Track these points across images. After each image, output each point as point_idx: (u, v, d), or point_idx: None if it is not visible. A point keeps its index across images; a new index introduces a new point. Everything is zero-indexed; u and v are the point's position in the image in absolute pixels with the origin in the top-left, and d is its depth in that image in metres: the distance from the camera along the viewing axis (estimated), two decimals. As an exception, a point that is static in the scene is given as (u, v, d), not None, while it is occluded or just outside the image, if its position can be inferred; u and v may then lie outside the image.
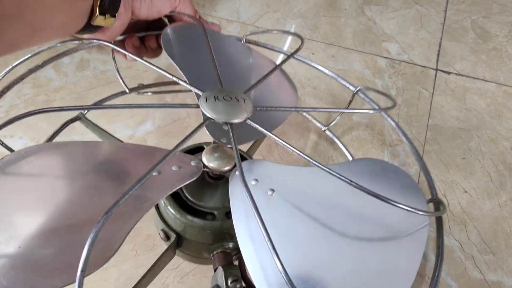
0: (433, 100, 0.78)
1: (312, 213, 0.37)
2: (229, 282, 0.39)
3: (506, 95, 0.80)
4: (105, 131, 0.56)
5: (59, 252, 0.30)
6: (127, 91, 0.65)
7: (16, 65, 0.42)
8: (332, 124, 0.63)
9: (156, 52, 0.56)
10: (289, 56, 0.52)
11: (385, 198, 0.32)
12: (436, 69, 0.84)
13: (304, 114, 0.69)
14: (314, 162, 0.35)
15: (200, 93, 0.40)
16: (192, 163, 0.40)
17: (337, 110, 0.44)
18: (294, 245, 0.35)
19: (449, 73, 0.83)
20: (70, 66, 0.84)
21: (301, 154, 0.36)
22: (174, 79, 0.41)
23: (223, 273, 0.40)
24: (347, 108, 0.58)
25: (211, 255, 0.44)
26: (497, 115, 0.77)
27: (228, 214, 0.43)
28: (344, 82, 0.55)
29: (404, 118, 0.74)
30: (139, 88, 0.70)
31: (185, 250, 0.47)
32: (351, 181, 0.33)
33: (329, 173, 0.34)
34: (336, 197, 0.38)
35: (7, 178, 0.35)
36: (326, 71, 0.57)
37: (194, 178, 0.38)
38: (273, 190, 0.38)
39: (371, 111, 0.43)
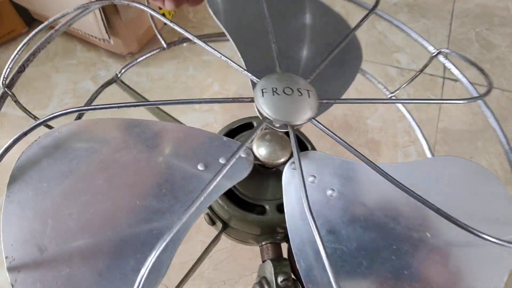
0: (442, 106, 0.82)
1: (380, 220, 0.30)
2: (279, 280, 0.35)
3: (509, 100, 0.83)
4: (140, 95, 0.52)
5: (105, 278, 0.27)
6: (165, 46, 0.57)
7: (41, 29, 0.37)
8: (398, 90, 0.52)
9: (197, 0, 0.47)
10: (370, 11, 0.40)
11: (470, 227, 0.27)
12: (444, 77, 0.87)
13: (368, 76, 0.59)
14: (380, 169, 0.28)
15: (256, 80, 0.32)
16: (242, 155, 0.32)
17: (425, 101, 0.33)
18: (353, 257, 0.29)
19: (455, 80, 0.87)
20: (106, 78, 0.89)
21: (363, 157, 0.29)
22: (224, 58, 0.34)
23: (273, 269, 0.36)
24: (421, 71, 0.46)
25: (259, 244, 0.40)
26: (502, 119, 0.80)
27: (279, 207, 0.37)
28: (422, 41, 0.44)
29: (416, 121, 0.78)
30: (178, 42, 0.62)
31: (230, 234, 0.43)
32: (426, 200, 0.27)
33: (399, 187, 0.27)
34: (410, 200, 0.30)
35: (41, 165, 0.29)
36: (406, 28, 0.45)
37: (245, 176, 0.31)
38: (333, 190, 0.31)
39: (462, 101, 0.33)
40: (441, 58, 0.42)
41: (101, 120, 0.32)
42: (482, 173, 0.34)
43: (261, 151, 0.34)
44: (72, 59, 0.93)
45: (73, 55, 0.94)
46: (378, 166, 0.28)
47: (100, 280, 0.26)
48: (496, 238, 0.27)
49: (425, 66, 0.46)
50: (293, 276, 0.36)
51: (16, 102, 0.35)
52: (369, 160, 0.28)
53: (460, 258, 0.30)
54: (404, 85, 0.50)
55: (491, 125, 0.40)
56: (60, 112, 0.28)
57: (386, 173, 0.28)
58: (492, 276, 0.29)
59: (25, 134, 0.28)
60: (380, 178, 0.29)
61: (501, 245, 0.27)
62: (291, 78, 0.31)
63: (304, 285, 0.27)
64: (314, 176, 0.32)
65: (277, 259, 0.37)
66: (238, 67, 0.34)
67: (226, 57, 0.34)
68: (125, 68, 0.55)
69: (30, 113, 0.40)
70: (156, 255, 0.24)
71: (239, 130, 0.42)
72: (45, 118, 0.28)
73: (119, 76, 0.54)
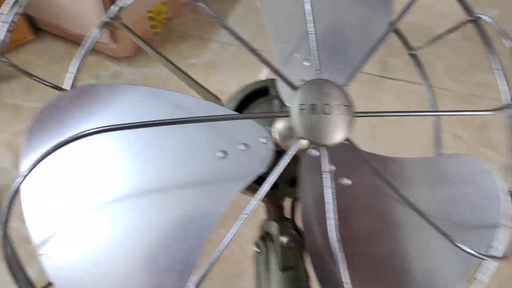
0: (382, 98, 1.00)
1: (386, 210, 0.31)
2: (283, 241, 0.37)
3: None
4: (142, 38, 0.47)
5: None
6: None
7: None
8: (421, 49, 0.48)
9: None
10: None
11: (447, 235, 0.28)
12: (384, 77, 1.06)
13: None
14: (388, 179, 0.28)
15: (294, 87, 0.28)
16: (262, 140, 0.30)
17: (459, 114, 0.32)
18: (356, 239, 0.31)
19: (392, 79, 1.06)
20: (106, 76, 1.03)
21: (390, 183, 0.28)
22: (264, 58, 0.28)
23: (278, 231, 0.37)
24: (450, 32, 0.43)
25: (265, 203, 0.40)
26: (427, 106, 0.99)
27: (290, 181, 0.37)
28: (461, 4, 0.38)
29: (362, 109, 0.96)
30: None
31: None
32: (413, 205, 0.28)
33: (400, 196, 0.28)
34: (412, 194, 0.31)
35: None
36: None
37: (264, 169, 0.29)
38: (348, 179, 0.31)
39: (492, 112, 0.31)
40: (475, 25, 0.38)
41: (114, 88, 0.30)
42: (486, 173, 0.34)
43: (282, 136, 0.32)
44: (76, 62, 1.05)
45: (77, 58, 1.06)
46: (390, 180, 0.28)
47: (139, 278, 0.26)
48: (473, 250, 0.28)
49: (456, 28, 0.42)
50: (293, 232, 0.38)
51: (14, 66, 0.33)
52: (388, 178, 0.29)
53: (444, 249, 0.31)
54: (424, 45, 0.48)
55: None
56: (87, 132, 0.23)
57: (396, 186, 0.28)
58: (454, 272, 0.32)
59: (49, 153, 0.23)
60: (392, 173, 0.31)
61: (476, 256, 0.29)
62: (330, 88, 0.27)
63: (311, 259, 0.30)
64: (332, 166, 0.30)
65: (281, 220, 0.38)
66: (272, 65, 0.29)
67: (266, 60, 0.28)
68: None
69: (30, 74, 0.36)
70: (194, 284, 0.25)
71: (254, 95, 0.39)
72: (74, 136, 0.23)
73: (119, 12, 0.41)
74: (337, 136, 0.26)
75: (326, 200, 0.26)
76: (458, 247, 0.28)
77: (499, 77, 0.36)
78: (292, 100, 0.27)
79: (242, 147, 0.29)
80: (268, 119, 0.34)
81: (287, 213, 0.40)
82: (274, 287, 0.37)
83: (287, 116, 0.27)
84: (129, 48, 1.04)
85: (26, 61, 1.03)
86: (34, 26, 1.08)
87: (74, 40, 1.06)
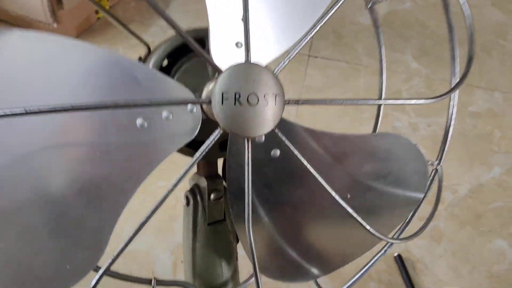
0: (307, 72, 1.10)
1: (311, 181, 0.29)
2: (212, 197, 0.36)
3: (351, 69, 1.15)
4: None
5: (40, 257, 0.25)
6: None
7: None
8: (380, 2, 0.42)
9: None
10: None
11: (362, 222, 0.29)
12: (309, 55, 1.16)
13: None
14: (318, 177, 0.28)
15: (219, 70, 0.24)
16: (189, 107, 0.26)
17: (401, 103, 0.33)
18: (276, 205, 0.31)
19: (316, 57, 1.16)
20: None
21: (318, 176, 0.28)
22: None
23: (206, 187, 0.36)
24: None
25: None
26: (346, 79, 1.11)
27: (221, 145, 0.33)
28: None
29: (289, 80, 1.05)
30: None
31: None
32: (350, 212, 0.29)
33: (325, 186, 0.28)
34: (341, 170, 0.32)
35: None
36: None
37: (190, 139, 0.26)
38: (278, 151, 0.30)
39: (422, 101, 0.30)
40: None
41: (29, 33, 0.25)
42: (412, 150, 0.35)
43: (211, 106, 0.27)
44: (18, 43, 1.06)
45: (19, 40, 1.07)
46: (307, 164, 0.27)
47: (38, 256, 0.24)
48: (382, 235, 0.30)
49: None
50: (225, 184, 0.37)
51: None
52: (318, 175, 0.28)
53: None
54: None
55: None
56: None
57: (313, 169, 0.27)
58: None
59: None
60: (325, 147, 0.31)
61: (382, 239, 0.31)
62: (259, 75, 0.24)
63: (234, 225, 0.31)
64: (263, 136, 0.28)
65: (211, 176, 0.37)
66: (196, 46, 0.24)
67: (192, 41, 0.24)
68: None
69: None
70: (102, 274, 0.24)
71: (185, 47, 0.33)
72: None
73: None
74: (263, 128, 0.24)
75: (245, 191, 0.25)
76: (368, 231, 0.29)
77: (453, 59, 0.36)
78: (214, 86, 0.23)
79: (166, 114, 0.25)
80: (200, 78, 0.30)
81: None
82: (200, 239, 0.37)
83: (209, 103, 0.23)
84: (71, 28, 1.07)
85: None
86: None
87: (19, 23, 1.07)
